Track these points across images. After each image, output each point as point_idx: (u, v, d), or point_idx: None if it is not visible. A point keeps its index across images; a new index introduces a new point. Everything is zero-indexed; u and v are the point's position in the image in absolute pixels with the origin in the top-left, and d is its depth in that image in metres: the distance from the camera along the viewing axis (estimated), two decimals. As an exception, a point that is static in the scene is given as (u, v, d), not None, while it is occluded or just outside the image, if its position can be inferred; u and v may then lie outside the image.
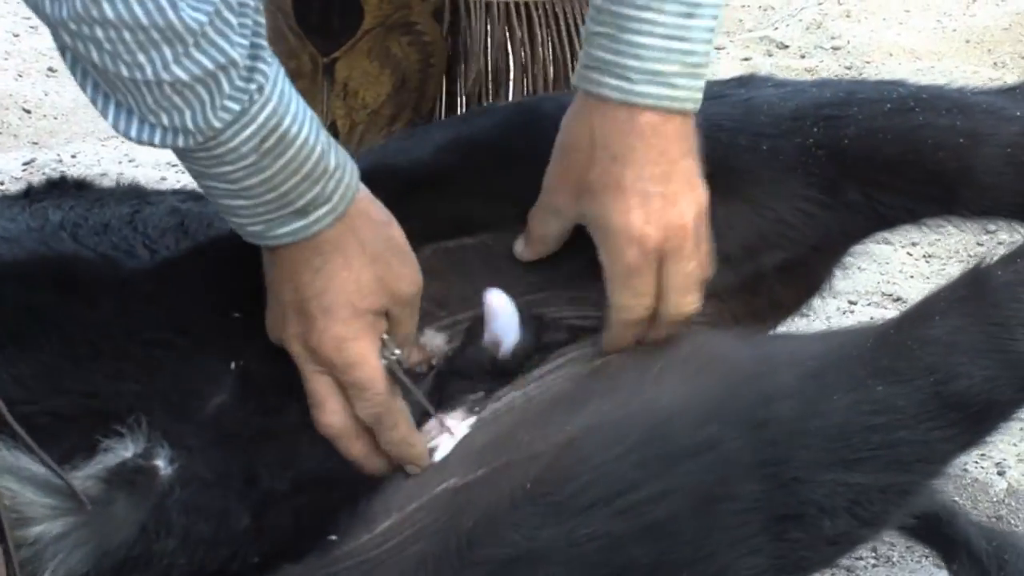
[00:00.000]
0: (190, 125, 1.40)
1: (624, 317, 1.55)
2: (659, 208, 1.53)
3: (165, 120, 1.40)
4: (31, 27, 3.53)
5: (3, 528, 1.31)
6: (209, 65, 1.38)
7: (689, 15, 1.51)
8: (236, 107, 1.41)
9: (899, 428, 1.41)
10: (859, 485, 1.41)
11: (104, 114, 1.44)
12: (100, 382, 1.49)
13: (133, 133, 1.43)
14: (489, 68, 2.23)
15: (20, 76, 3.38)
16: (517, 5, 2.18)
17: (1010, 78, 2.87)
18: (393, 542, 1.45)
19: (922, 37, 3.13)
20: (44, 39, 3.44)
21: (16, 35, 3.52)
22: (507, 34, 2.23)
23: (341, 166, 1.49)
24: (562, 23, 2.19)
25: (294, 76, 2.12)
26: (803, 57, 3.11)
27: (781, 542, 1.42)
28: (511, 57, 2.22)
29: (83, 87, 1.43)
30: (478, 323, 1.62)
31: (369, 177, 1.54)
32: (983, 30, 3.11)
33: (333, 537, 1.48)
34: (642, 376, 1.52)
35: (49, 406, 1.46)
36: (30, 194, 1.78)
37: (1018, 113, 1.65)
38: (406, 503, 1.49)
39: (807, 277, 1.79)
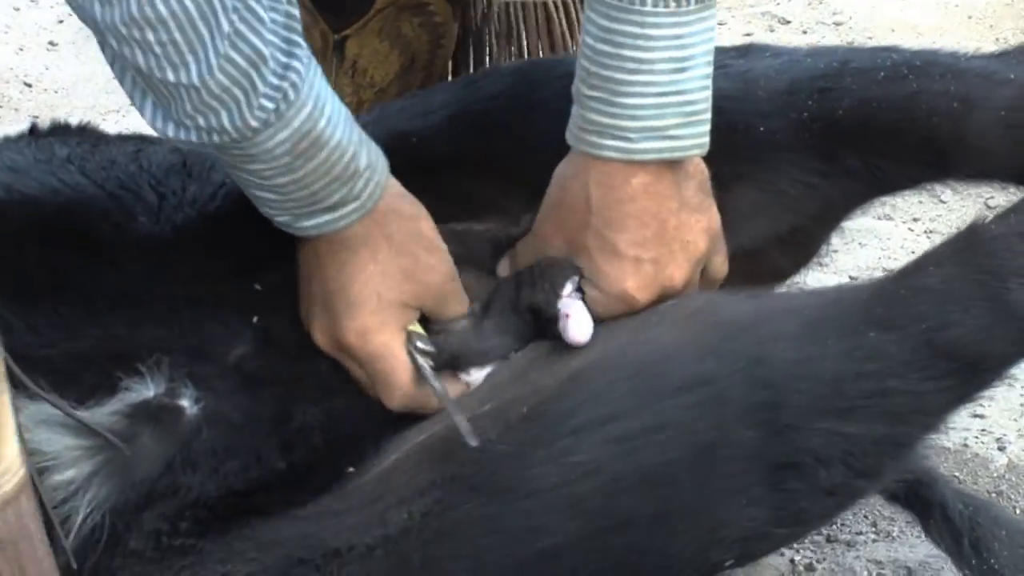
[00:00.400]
0: (227, 125, 1.42)
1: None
2: (651, 273, 1.56)
3: (202, 122, 1.42)
4: (32, 0, 3.52)
5: (36, 485, 1.33)
6: (242, 62, 1.39)
7: (681, 70, 1.51)
8: (271, 105, 1.42)
9: (890, 376, 1.41)
10: (853, 435, 1.42)
11: (142, 111, 1.45)
12: (119, 329, 1.51)
13: (171, 132, 1.45)
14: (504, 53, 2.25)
15: (21, 50, 3.36)
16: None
17: (1011, 53, 2.88)
18: (400, 473, 1.47)
19: (924, 12, 3.14)
20: (44, 13, 3.43)
21: (17, 9, 3.48)
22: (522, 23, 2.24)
23: (372, 165, 1.51)
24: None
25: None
26: (805, 33, 3.12)
27: (779, 492, 1.43)
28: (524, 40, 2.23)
29: (131, 95, 1.45)
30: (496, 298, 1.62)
31: (381, 144, 1.55)
32: (985, 5, 3.12)
33: (351, 469, 1.51)
34: (644, 322, 1.54)
35: (65, 348, 1.48)
36: (34, 131, 1.79)
37: (1012, 76, 1.66)
38: (416, 435, 1.52)
39: (806, 245, 1.81)
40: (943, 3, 3.20)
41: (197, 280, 1.56)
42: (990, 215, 1.53)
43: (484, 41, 2.26)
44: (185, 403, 1.49)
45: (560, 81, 1.64)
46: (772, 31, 3.09)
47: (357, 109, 2.17)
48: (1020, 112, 1.65)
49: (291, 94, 1.42)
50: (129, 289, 1.54)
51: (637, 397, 1.42)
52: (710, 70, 1.53)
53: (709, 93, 1.54)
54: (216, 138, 1.43)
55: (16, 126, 3.08)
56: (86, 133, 1.81)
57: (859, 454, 1.43)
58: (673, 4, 1.48)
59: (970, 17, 3.13)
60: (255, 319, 1.56)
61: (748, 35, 3.16)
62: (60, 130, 1.81)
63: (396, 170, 1.56)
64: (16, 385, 1.27)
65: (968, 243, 1.48)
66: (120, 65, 1.43)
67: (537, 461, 1.40)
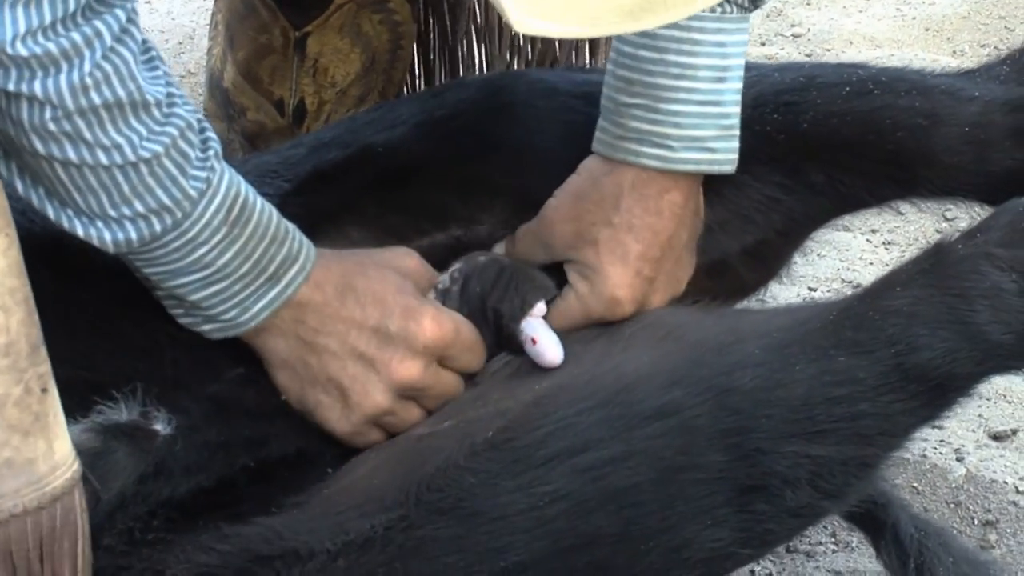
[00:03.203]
0: (167, 200, 1.41)
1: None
2: (643, 290, 1.58)
3: (140, 207, 1.40)
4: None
5: None
6: (175, 132, 1.40)
7: (721, 79, 1.54)
8: (203, 174, 1.42)
9: (860, 400, 1.42)
10: (821, 457, 1.42)
11: (72, 228, 1.43)
12: (97, 356, 1.50)
13: (108, 237, 1.43)
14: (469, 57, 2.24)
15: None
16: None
17: (969, 66, 2.88)
18: (365, 484, 1.47)
19: (882, 25, 3.15)
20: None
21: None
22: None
23: (293, 226, 1.51)
24: None
25: (265, 51, 2.13)
26: (763, 44, 3.12)
27: (745, 514, 1.43)
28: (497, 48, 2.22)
29: (45, 208, 1.43)
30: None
31: (345, 164, 1.54)
32: (942, 18, 3.13)
33: (329, 470, 1.51)
34: (610, 344, 1.54)
35: None
36: None
37: (976, 94, 1.67)
38: (382, 446, 1.53)
39: (770, 260, 1.81)
40: (900, 16, 3.21)
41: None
42: (954, 232, 1.53)
43: (458, 41, 2.26)
44: (159, 427, 1.49)
45: (527, 88, 1.64)
46: (731, 42, 3.08)
47: (318, 110, 2.16)
48: (984, 129, 1.66)
49: (215, 163, 1.44)
50: (109, 317, 1.53)
51: (606, 427, 1.42)
52: (741, 84, 1.56)
53: (739, 109, 1.57)
54: (158, 224, 1.42)
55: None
56: None
57: (826, 475, 1.43)
58: (719, 10, 1.51)
59: (927, 30, 3.14)
60: (240, 369, 1.55)
61: (707, 46, 3.15)
62: None
63: (363, 182, 1.57)
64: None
65: (935, 263, 1.48)
66: (31, 178, 1.41)
67: (505, 490, 1.40)
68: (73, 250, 1.51)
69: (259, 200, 1.49)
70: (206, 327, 1.51)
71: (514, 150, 1.67)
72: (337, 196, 1.61)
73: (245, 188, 1.47)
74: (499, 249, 1.67)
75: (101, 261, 1.51)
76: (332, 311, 1.52)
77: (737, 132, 1.57)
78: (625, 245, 1.57)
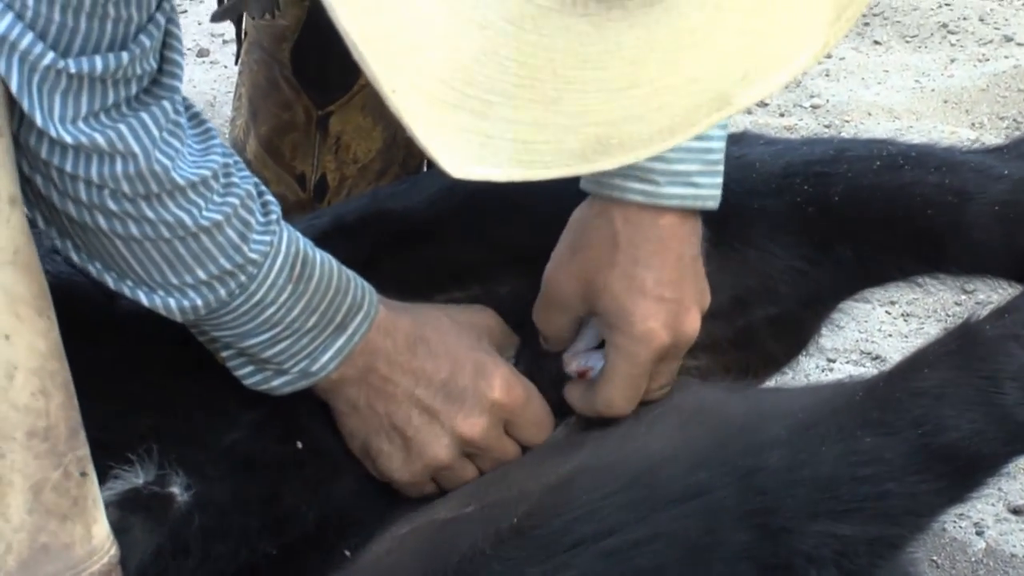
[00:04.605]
0: (229, 266, 1.42)
1: (610, 408, 1.58)
2: (674, 314, 1.56)
3: (202, 274, 1.42)
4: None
5: None
6: (235, 201, 1.42)
7: None
8: (266, 238, 1.44)
9: (887, 480, 1.40)
10: (846, 536, 1.41)
11: (135, 297, 1.45)
12: (109, 417, 1.49)
13: (173, 305, 1.44)
14: None
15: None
16: None
17: (988, 138, 2.89)
18: (391, 559, 1.46)
19: (900, 97, 3.15)
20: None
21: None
22: None
23: (353, 274, 1.52)
24: None
25: (287, 128, 2.14)
26: (782, 115, 3.12)
27: (768, 593, 1.42)
28: None
29: (104, 280, 1.45)
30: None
31: (363, 222, 1.54)
32: (961, 91, 3.13)
33: (347, 552, 1.50)
34: (634, 424, 1.54)
35: None
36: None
37: (1005, 172, 1.66)
38: (404, 525, 1.51)
39: (797, 332, 1.80)
40: (919, 87, 3.21)
41: (190, 364, 1.55)
42: (980, 311, 1.52)
43: None
44: (175, 490, 1.48)
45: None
46: (750, 113, 3.09)
47: (339, 185, 2.17)
48: (1014, 207, 1.65)
49: (275, 226, 1.45)
50: (119, 376, 1.52)
51: (631, 510, 1.40)
52: (727, 121, 1.53)
53: (724, 144, 1.56)
54: (223, 289, 1.42)
55: None
56: None
57: (851, 555, 1.42)
58: None
59: (946, 102, 3.14)
60: (252, 414, 1.55)
61: (726, 116, 3.15)
62: None
63: (380, 240, 1.60)
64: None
65: (962, 344, 1.47)
66: (87, 253, 1.43)
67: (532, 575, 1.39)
68: (77, 308, 1.50)
69: (318, 253, 1.50)
70: (275, 382, 1.51)
71: (535, 211, 1.66)
72: (352, 251, 1.61)
73: (304, 243, 1.48)
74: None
75: (107, 318, 1.51)
76: (403, 360, 1.53)
77: (721, 168, 1.56)
78: (637, 278, 1.55)
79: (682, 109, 1.14)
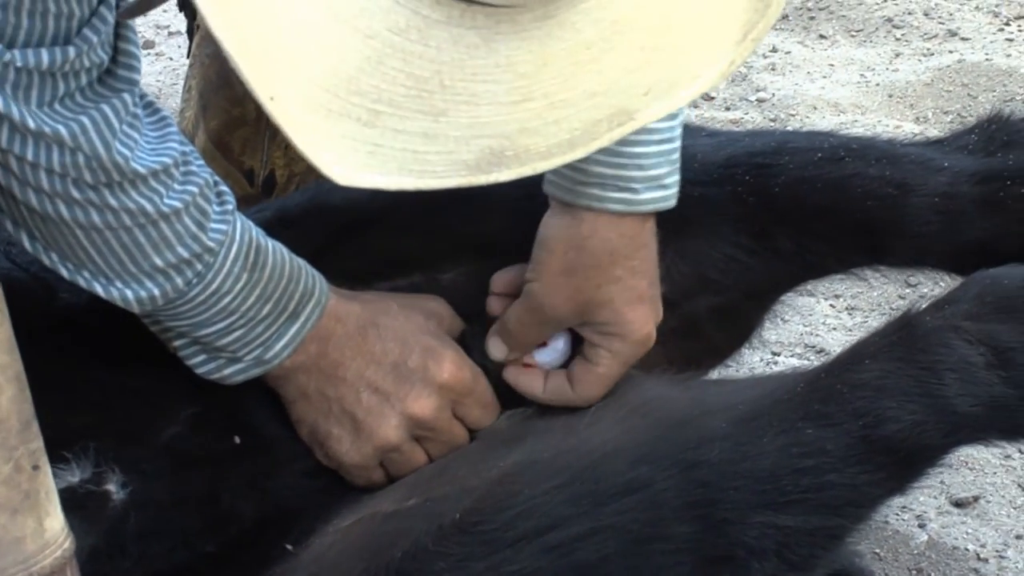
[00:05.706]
0: (186, 255, 1.42)
1: (586, 402, 1.58)
2: (656, 311, 1.59)
3: (159, 262, 1.42)
4: None
5: None
6: (194, 189, 1.42)
7: (673, 116, 1.53)
8: (222, 227, 1.44)
9: (828, 471, 1.41)
10: (788, 527, 1.41)
11: (91, 288, 1.45)
12: (44, 414, 1.46)
13: (131, 296, 1.44)
14: None
15: None
16: None
17: (932, 132, 2.89)
18: (333, 554, 1.45)
19: (846, 91, 3.16)
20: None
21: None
22: None
23: (304, 262, 1.53)
24: None
25: (237, 123, 2.13)
26: (728, 109, 3.12)
27: (712, 584, 1.42)
28: None
29: (58, 269, 1.44)
30: None
31: (305, 213, 1.54)
32: (905, 85, 3.14)
33: (289, 547, 1.49)
34: (577, 418, 1.54)
35: None
36: None
37: (946, 164, 1.67)
38: (346, 518, 1.50)
39: (740, 322, 1.80)
40: (864, 82, 3.22)
41: (128, 360, 1.54)
42: (921, 303, 1.53)
43: None
44: (112, 488, 1.47)
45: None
46: (695, 107, 3.09)
47: (288, 182, 2.16)
48: (953, 199, 1.66)
49: (230, 215, 1.46)
50: (56, 372, 1.49)
51: (573, 505, 1.40)
52: (683, 117, 1.56)
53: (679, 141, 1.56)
54: (177, 278, 1.43)
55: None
56: None
57: (793, 546, 1.42)
58: None
59: (891, 96, 3.16)
60: (189, 410, 1.54)
61: (671, 109, 3.16)
62: None
63: (322, 229, 1.60)
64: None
65: (903, 336, 1.47)
66: (43, 243, 1.42)
67: (475, 572, 1.39)
68: (14, 304, 1.49)
69: (270, 242, 1.50)
70: (228, 371, 1.51)
71: (475, 201, 1.65)
72: (296, 243, 1.60)
73: (256, 232, 1.49)
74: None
75: (45, 315, 1.50)
76: (353, 344, 1.53)
77: (679, 164, 1.56)
78: (636, 288, 1.56)
79: (581, 123, 1.12)
